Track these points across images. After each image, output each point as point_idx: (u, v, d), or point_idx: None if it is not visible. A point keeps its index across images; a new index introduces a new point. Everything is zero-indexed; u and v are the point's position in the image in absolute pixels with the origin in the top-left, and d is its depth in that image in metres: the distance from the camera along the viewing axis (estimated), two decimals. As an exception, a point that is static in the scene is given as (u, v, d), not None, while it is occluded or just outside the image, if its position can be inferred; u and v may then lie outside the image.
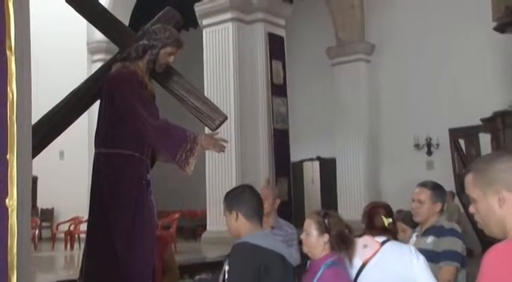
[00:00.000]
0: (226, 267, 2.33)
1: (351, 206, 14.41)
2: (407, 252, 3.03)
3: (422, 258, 2.98)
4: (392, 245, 3.05)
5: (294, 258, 2.41)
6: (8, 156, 1.68)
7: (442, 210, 3.56)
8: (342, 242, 3.08)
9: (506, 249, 1.56)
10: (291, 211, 10.34)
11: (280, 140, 11.12)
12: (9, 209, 1.67)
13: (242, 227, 2.46)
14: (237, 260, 2.32)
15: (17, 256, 1.67)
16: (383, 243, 2.95)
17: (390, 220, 3.09)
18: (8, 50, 1.71)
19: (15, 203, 1.68)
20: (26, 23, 1.81)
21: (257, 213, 2.50)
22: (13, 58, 1.71)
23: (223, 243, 9.05)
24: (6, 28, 1.71)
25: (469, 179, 1.71)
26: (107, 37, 3.62)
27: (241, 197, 2.53)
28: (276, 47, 11.41)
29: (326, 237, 2.67)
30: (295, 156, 12.79)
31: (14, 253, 1.67)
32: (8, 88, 1.70)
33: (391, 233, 3.08)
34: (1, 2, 1.69)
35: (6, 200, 1.67)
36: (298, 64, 14.65)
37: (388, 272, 2.90)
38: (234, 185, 10.57)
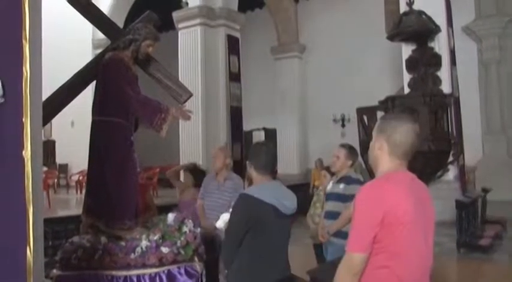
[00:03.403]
0: (230, 209, 2.27)
1: (287, 164, 14.66)
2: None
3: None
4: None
5: (287, 207, 2.24)
6: (23, 120, 1.64)
7: (352, 165, 3.64)
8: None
9: (368, 188, 1.60)
10: (243, 168, 10.42)
11: (235, 115, 11.10)
12: (25, 159, 1.65)
13: (254, 176, 2.32)
14: (235, 208, 2.21)
15: (32, 194, 1.65)
16: None
17: None
18: (23, 39, 1.66)
19: (30, 155, 1.65)
20: (38, 19, 1.75)
21: (266, 168, 2.30)
22: (27, 46, 1.66)
23: (192, 190, 9.10)
24: (22, 23, 1.65)
25: (378, 122, 1.73)
26: (101, 32, 3.50)
27: (256, 153, 2.34)
28: (233, 45, 11.29)
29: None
30: (246, 126, 12.83)
31: (30, 191, 1.65)
32: (23, 68, 1.65)
33: None
34: (19, 2, 1.64)
35: (23, 152, 1.64)
36: (249, 58, 14.57)
37: None
38: (200, 147, 10.57)
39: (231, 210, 2.26)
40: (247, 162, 2.35)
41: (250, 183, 2.43)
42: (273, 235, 2.20)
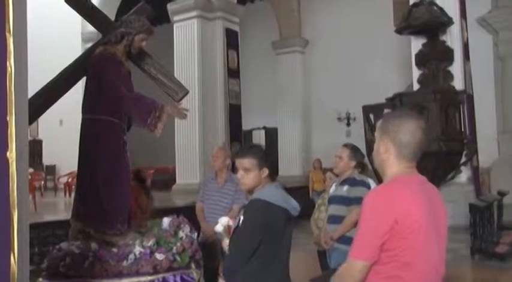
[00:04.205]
0: (242, 217, 2.18)
1: (289, 165, 14.67)
2: None
3: None
4: None
5: (296, 209, 2.26)
6: (7, 118, 1.62)
7: (356, 167, 3.59)
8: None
9: (376, 193, 1.59)
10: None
11: (234, 113, 11.10)
12: (10, 160, 1.62)
13: (264, 180, 2.28)
14: (250, 214, 2.16)
15: (17, 197, 1.64)
16: None
17: None
18: (7, 32, 1.64)
19: (14, 156, 1.63)
20: (23, 10, 1.73)
21: (277, 170, 2.35)
22: (11, 39, 1.64)
23: (189, 193, 9.12)
24: (5, 14, 1.64)
25: (379, 122, 1.70)
26: (92, 25, 3.49)
27: (269, 156, 2.34)
28: (231, 39, 11.28)
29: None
30: (245, 125, 12.81)
31: (15, 195, 1.63)
32: (7, 63, 1.63)
33: None
34: None
35: (7, 153, 1.63)
36: (249, 53, 14.57)
37: None
38: (197, 147, 10.56)
39: (241, 218, 2.18)
40: (257, 168, 2.26)
41: (250, 191, 2.33)
42: (283, 240, 2.22)
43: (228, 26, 11.25)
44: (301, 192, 9.66)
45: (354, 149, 3.61)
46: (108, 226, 3.00)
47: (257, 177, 2.26)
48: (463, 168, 8.35)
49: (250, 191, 2.29)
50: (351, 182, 3.48)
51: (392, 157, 1.62)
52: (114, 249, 2.96)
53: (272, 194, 2.23)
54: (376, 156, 1.67)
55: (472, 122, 8.62)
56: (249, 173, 2.26)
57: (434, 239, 1.56)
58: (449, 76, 8.63)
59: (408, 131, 1.60)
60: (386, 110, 8.82)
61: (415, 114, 1.70)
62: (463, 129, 8.24)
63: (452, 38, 8.65)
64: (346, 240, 3.27)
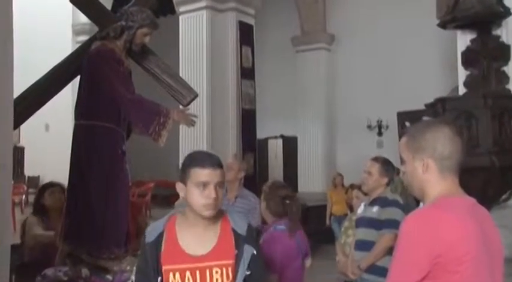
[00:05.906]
0: (254, 251, 1.98)
1: (310, 180, 14.61)
2: None
3: None
4: None
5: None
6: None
7: (388, 184, 3.60)
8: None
9: (417, 218, 1.56)
10: (256, 184, 10.40)
11: (248, 119, 11.11)
12: (-9, 171, 1.63)
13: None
14: (257, 243, 2.10)
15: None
16: None
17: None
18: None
19: (-3, 166, 1.64)
20: (8, 6, 1.75)
21: None
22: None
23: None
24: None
25: (402, 141, 1.71)
26: (88, 18, 3.53)
27: None
28: (245, 34, 11.34)
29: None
30: (260, 134, 12.81)
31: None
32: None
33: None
34: None
35: (-11, 163, 1.63)
36: (265, 50, 14.63)
37: None
38: (204, 158, 10.56)
39: (254, 251, 2.02)
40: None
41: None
42: None
43: (241, 19, 11.31)
44: (324, 211, 9.56)
45: (385, 163, 3.59)
46: (102, 249, 3.01)
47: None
48: (519, 187, 8.21)
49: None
50: (382, 202, 3.48)
51: (435, 174, 1.61)
52: (109, 276, 2.96)
53: None
54: (413, 179, 1.66)
55: (531, 132, 8.49)
56: (221, 188, 2.06)
57: (487, 274, 1.52)
58: (504, 78, 8.52)
59: (448, 140, 1.61)
60: (425, 118, 8.73)
61: (441, 120, 1.72)
62: (519, 141, 8.12)
63: (508, 32, 8.53)
64: (376, 270, 3.25)
